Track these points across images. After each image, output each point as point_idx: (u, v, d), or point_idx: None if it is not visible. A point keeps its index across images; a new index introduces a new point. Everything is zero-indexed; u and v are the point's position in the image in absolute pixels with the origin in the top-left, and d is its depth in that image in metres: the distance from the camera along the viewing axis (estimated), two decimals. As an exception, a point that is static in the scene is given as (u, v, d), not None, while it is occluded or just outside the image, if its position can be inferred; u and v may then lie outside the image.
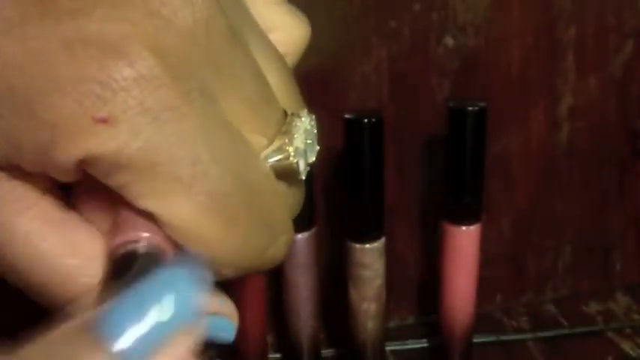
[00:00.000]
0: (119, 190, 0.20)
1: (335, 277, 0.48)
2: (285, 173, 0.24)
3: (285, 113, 0.25)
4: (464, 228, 0.45)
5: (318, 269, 0.46)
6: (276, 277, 0.47)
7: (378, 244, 0.44)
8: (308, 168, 0.25)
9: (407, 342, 0.52)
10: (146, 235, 0.20)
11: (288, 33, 0.27)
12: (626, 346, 0.52)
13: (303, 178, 0.25)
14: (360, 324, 0.46)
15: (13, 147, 0.20)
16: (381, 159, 0.42)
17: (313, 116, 0.26)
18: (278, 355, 0.51)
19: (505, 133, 0.52)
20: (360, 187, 0.42)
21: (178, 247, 0.21)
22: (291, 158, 0.24)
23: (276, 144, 0.24)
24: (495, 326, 0.54)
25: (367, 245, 0.44)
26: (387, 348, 0.51)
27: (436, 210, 0.48)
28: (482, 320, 0.52)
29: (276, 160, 0.24)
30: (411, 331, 0.53)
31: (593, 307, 0.57)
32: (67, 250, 0.21)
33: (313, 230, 0.45)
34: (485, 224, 0.46)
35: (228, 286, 0.23)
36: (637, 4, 0.52)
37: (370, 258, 0.44)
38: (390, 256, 0.46)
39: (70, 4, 0.19)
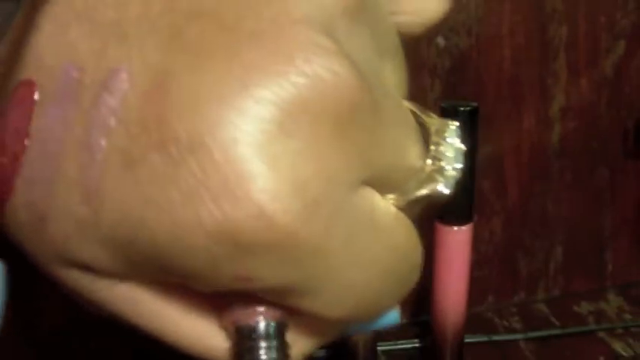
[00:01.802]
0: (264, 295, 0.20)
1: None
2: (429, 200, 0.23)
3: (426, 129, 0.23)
4: (455, 228, 0.44)
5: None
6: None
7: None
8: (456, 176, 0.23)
9: (399, 342, 0.52)
10: (265, 308, 0.21)
11: (419, 6, 0.25)
12: (618, 346, 0.52)
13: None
14: (351, 324, 0.46)
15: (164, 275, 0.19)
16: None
17: (456, 124, 0.23)
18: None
19: (497, 133, 0.52)
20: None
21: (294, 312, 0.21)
22: (439, 187, 0.22)
23: (422, 180, 0.22)
24: (487, 326, 0.54)
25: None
26: (379, 348, 0.50)
27: (428, 210, 0.48)
28: (473, 320, 0.52)
29: (424, 196, 0.22)
30: (402, 331, 0.53)
31: (584, 307, 0.57)
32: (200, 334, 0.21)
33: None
34: (477, 224, 0.46)
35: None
36: (628, 4, 0.52)
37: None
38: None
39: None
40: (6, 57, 0.21)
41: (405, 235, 0.22)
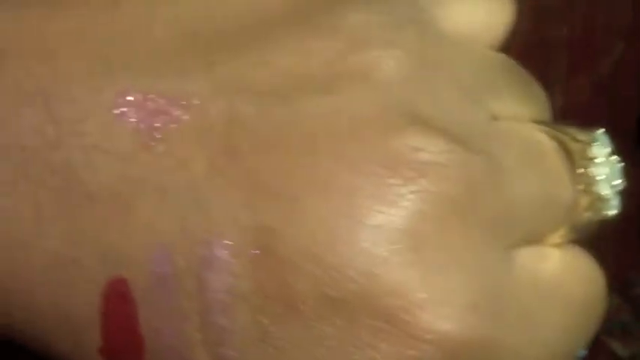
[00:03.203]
0: None
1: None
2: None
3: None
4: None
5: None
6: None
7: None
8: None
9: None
10: None
11: (487, 21, 0.22)
12: (616, 346, 0.52)
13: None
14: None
15: None
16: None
17: (601, 131, 0.21)
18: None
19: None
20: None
21: None
22: (605, 212, 0.20)
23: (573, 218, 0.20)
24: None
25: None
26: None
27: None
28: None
29: (592, 223, 0.20)
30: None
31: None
32: None
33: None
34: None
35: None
36: (627, 4, 0.52)
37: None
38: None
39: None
40: None
41: (578, 284, 0.20)
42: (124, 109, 0.18)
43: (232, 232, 0.17)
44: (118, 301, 0.18)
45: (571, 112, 0.56)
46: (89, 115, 0.18)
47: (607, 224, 0.21)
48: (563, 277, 0.20)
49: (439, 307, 0.17)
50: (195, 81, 0.18)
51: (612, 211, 0.20)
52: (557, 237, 0.20)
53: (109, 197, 0.18)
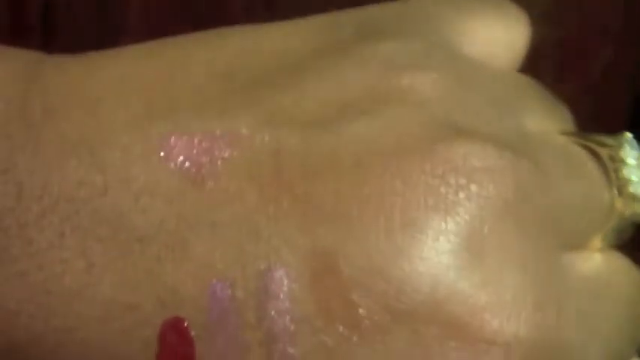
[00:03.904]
0: None
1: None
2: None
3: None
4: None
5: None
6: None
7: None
8: None
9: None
10: None
11: (507, 38, 0.23)
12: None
13: None
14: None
15: None
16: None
17: (629, 136, 0.21)
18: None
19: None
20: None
21: None
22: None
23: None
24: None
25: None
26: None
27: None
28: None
29: (629, 226, 0.21)
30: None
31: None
32: None
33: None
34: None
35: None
36: (618, 6, 0.52)
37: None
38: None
39: None
40: None
41: (624, 284, 0.21)
42: (169, 151, 0.18)
43: (290, 257, 0.17)
44: (175, 341, 0.18)
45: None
46: (135, 160, 0.18)
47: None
48: (609, 277, 0.20)
49: (506, 310, 0.17)
50: (239, 118, 0.18)
51: None
52: (597, 241, 0.20)
53: (161, 238, 0.18)
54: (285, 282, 0.17)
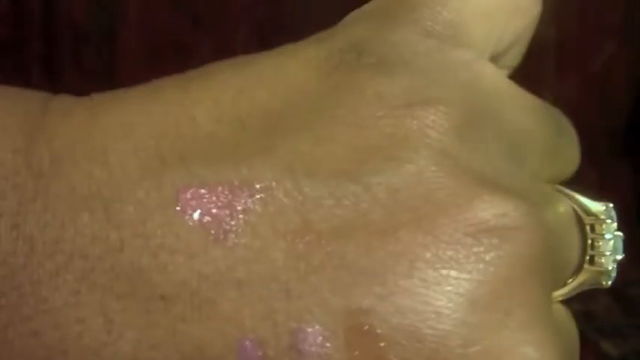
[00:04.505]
0: None
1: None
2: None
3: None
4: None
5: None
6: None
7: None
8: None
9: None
10: None
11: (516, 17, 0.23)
12: (606, 347, 0.52)
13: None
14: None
15: None
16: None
17: (610, 207, 0.22)
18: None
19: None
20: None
21: None
22: (602, 283, 0.22)
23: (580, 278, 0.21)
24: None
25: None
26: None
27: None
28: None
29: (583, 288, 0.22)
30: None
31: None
32: None
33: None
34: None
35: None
36: (619, 3, 0.52)
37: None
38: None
39: None
40: None
41: (572, 332, 0.22)
42: (186, 205, 0.18)
43: (323, 316, 0.17)
44: None
45: (560, 110, 0.57)
46: (151, 214, 0.18)
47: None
48: (572, 327, 0.21)
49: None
50: (256, 167, 0.18)
51: (609, 282, 0.22)
52: (562, 293, 0.21)
53: (185, 296, 0.17)
54: (319, 341, 0.17)
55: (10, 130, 0.18)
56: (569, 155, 0.24)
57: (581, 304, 0.58)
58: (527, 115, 0.21)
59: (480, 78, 0.20)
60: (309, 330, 0.17)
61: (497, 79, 0.21)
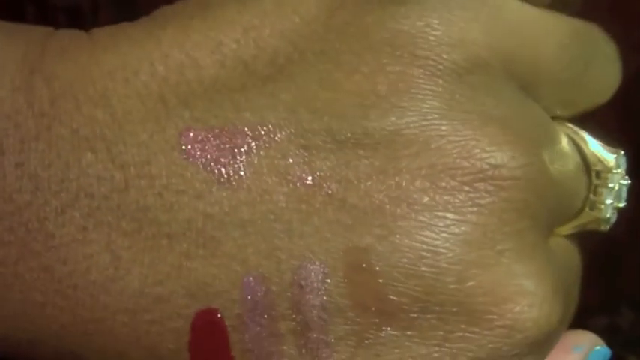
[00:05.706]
0: None
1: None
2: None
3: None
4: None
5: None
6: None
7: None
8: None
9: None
10: None
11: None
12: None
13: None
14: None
15: None
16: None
17: (621, 154, 0.22)
18: None
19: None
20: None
21: None
22: (599, 227, 0.22)
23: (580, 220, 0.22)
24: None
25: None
26: None
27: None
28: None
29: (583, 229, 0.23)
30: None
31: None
32: None
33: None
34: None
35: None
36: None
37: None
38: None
39: None
40: None
41: (576, 262, 0.23)
42: (190, 147, 0.18)
43: (323, 254, 0.18)
44: (209, 331, 0.18)
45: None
46: (155, 156, 0.18)
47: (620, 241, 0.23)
48: (572, 260, 0.22)
49: (527, 299, 0.18)
50: (259, 111, 0.18)
51: (607, 227, 0.22)
52: (563, 230, 0.22)
53: (190, 235, 0.18)
54: (320, 277, 0.18)
55: (8, 69, 0.18)
56: (601, 83, 0.23)
57: (607, 318, 0.58)
58: (551, 52, 0.21)
59: (501, 13, 0.20)
60: (311, 267, 0.18)
61: (520, 15, 0.20)
